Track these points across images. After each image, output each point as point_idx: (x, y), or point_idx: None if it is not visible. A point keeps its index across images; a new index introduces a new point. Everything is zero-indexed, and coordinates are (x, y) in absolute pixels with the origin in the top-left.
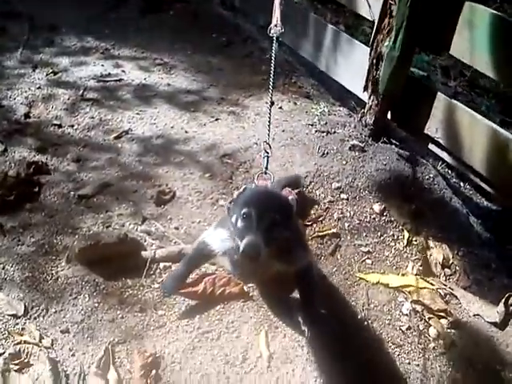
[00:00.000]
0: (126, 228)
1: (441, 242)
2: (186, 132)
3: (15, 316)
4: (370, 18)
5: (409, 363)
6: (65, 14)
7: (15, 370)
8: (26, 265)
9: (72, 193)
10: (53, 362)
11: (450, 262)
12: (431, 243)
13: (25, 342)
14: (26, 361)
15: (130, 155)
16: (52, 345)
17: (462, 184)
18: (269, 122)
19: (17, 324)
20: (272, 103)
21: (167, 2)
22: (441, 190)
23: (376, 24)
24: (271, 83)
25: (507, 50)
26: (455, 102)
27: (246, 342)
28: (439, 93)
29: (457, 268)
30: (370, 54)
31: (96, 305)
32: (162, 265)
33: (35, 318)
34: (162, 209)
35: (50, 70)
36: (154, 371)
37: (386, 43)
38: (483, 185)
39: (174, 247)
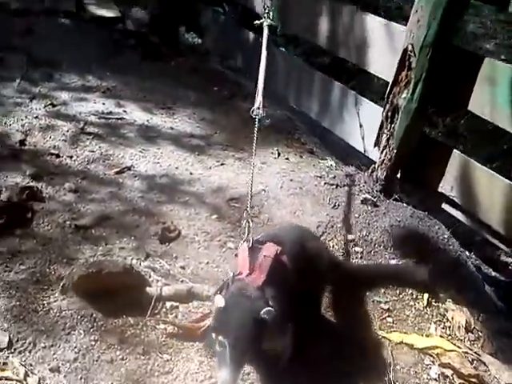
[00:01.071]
0: (128, 262)
1: (461, 305)
2: (191, 174)
3: None
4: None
5: None
6: (65, 53)
7: None
8: (13, 293)
9: (68, 222)
10: None
11: (472, 326)
12: (451, 305)
13: (6, 378)
14: None
15: (132, 191)
16: None
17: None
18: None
19: None
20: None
21: (167, 54)
22: (455, 251)
23: (393, 76)
24: (254, 157)
25: None
26: (471, 160)
27: None
28: (455, 150)
29: (479, 333)
30: (385, 107)
31: (92, 343)
32: (168, 304)
33: (20, 352)
34: (167, 247)
35: (49, 102)
36: None
37: (404, 95)
38: (501, 245)
39: (182, 285)
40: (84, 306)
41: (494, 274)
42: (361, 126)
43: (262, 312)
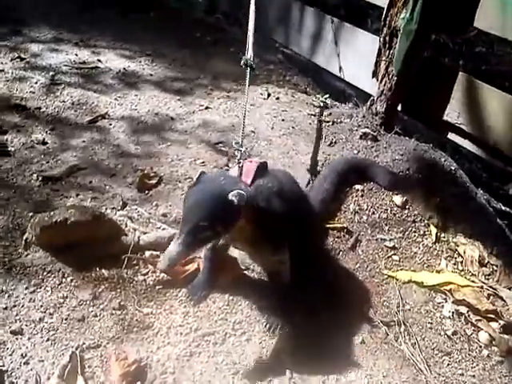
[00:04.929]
0: (98, 209)
1: (472, 239)
2: (172, 119)
3: None
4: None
5: (462, 374)
6: (33, 10)
7: None
8: None
9: (35, 175)
10: None
11: (486, 260)
12: (462, 239)
13: None
14: None
15: (108, 139)
16: None
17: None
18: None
19: None
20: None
21: (148, 4)
22: (464, 184)
23: None
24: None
25: None
26: (479, 81)
27: (260, 346)
28: (460, 72)
29: (494, 267)
30: (382, 31)
31: (61, 300)
32: (147, 253)
33: None
34: (146, 194)
35: (16, 56)
36: (138, 383)
37: (402, 15)
38: None
39: (163, 232)
40: (50, 260)
41: (503, 208)
42: (357, 59)
43: (230, 194)
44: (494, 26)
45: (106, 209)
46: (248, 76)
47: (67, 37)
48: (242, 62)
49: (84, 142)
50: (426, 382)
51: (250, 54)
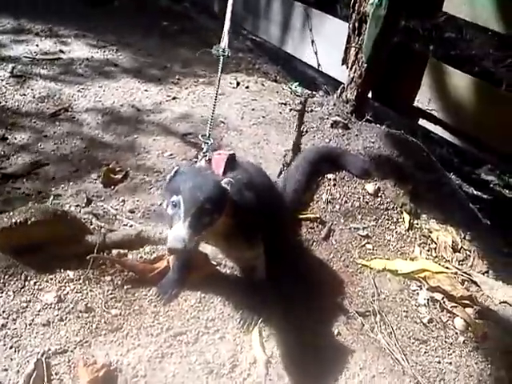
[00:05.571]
0: (61, 208)
1: (445, 225)
2: (139, 110)
3: None
4: None
5: (439, 362)
6: None
7: None
8: None
9: None
10: None
11: (459, 246)
12: (435, 226)
13: None
14: None
15: (70, 133)
16: None
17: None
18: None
19: None
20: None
21: None
22: (436, 169)
23: None
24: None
25: None
26: (450, 67)
27: (234, 343)
28: (431, 57)
29: (467, 253)
30: (350, 18)
31: (24, 305)
32: (115, 252)
33: None
34: (112, 190)
35: None
36: None
37: (371, 1)
38: (486, 156)
39: (131, 230)
40: (12, 263)
41: (475, 192)
42: (326, 46)
43: (223, 181)
44: (462, 10)
45: (70, 206)
46: (221, 66)
47: (28, 27)
48: (214, 51)
49: (46, 136)
50: (403, 371)
51: (224, 42)
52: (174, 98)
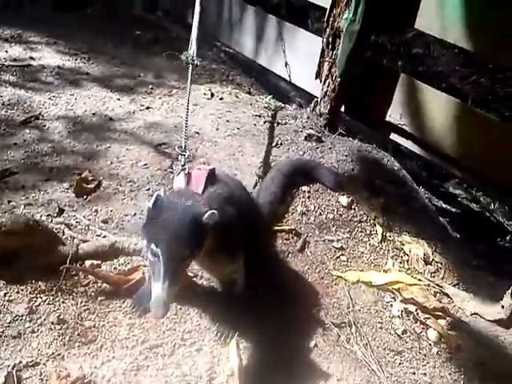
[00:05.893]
0: (32, 217)
1: (416, 238)
2: (112, 119)
3: None
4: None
5: (413, 373)
6: None
7: None
8: None
9: None
10: None
11: (431, 258)
12: (407, 238)
13: None
14: None
15: (41, 141)
16: None
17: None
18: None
19: None
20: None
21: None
22: (407, 183)
23: None
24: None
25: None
26: (421, 83)
27: (211, 356)
28: (402, 73)
29: (439, 265)
30: (324, 32)
31: None
32: (88, 263)
33: None
34: (85, 199)
35: None
36: None
37: (346, 16)
38: (455, 172)
39: (104, 240)
40: None
41: (444, 205)
42: (299, 59)
43: (204, 216)
44: (433, 27)
45: (41, 216)
46: (190, 73)
47: None
48: (183, 58)
49: (16, 144)
50: (379, 382)
51: (193, 49)
52: (147, 108)
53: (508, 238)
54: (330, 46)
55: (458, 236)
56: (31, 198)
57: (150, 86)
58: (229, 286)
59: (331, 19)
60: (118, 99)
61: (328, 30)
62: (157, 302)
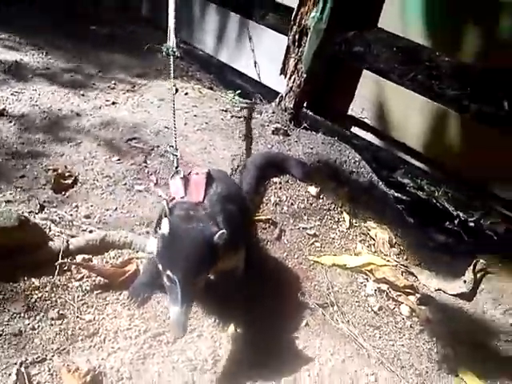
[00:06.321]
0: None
1: (380, 223)
2: (78, 115)
3: None
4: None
5: (393, 345)
6: None
7: None
8: None
9: None
10: None
11: (394, 241)
12: (372, 224)
13: None
14: None
15: (10, 137)
16: None
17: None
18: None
19: None
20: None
21: None
22: (367, 173)
23: None
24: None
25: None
26: (382, 78)
27: (212, 340)
28: (365, 70)
29: (401, 248)
30: (291, 30)
31: None
32: (79, 257)
33: None
34: (63, 195)
35: None
36: None
37: (313, 14)
38: (416, 163)
39: (94, 235)
40: None
41: (396, 194)
42: (261, 56)
43: (215, 237)
44: (396, 28)
45: (23, 213)
46: (172, 65)
47: None
48: (164, 49)
49: None
50: (368, 354)
51: (172, 41)
52: (113, 103)
53: (456, 221)
54: (297, 43)
55: (413, 221)
56: (9, 196)
57: (113, 82)
58: (228, 275)
59: (298, 17)
60: (83, 95)
61: (295, 27)
62: (177, 324)
